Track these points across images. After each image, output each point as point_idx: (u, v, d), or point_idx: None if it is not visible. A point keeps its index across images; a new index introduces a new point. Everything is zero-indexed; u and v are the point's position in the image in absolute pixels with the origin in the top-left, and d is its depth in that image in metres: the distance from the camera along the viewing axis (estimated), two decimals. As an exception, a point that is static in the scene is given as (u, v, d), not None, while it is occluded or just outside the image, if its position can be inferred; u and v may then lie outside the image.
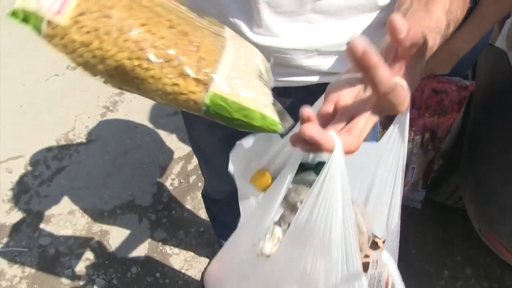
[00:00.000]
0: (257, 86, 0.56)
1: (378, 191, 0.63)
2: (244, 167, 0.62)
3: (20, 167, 2.11)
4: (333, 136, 0.42)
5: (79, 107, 2.40)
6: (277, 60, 0.78)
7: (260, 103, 0.54)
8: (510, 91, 1.33)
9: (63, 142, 2.22)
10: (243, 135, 0.65)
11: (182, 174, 2.12)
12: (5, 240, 1.84)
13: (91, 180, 2.06)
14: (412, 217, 1.86)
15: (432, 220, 1.90)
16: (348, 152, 0.44)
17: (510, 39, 1.38)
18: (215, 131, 1.03)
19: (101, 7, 0.50)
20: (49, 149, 2.18)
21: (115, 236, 1.86)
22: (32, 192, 2.01)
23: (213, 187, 1.33)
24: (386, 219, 0.64)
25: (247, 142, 0.63)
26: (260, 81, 0.57)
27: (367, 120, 0.45)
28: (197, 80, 0.52)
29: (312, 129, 0.41)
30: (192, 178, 2.09)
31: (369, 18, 0.77)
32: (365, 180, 0.64)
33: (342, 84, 0.48)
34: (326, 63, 0.80)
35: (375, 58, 0.40)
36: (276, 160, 0.62)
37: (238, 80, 0.54)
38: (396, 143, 0.55)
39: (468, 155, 1.48)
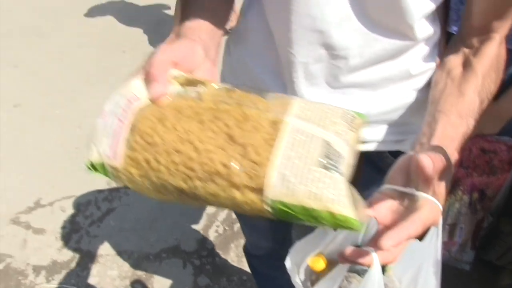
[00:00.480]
0: (318, 178, 0.47)
1: (424, 281, 0.68)
2: (301, 258, 0.68)
3: (72, 207, 2.19)
4: (372, 255, 0.51)
5: (131, 150, 2.47)
6: None
7: (324, 199, 0.46)
8: None
9: (113, 184, 2.29)
10: None
11: (227, 221, 2.15)
12: (56, 276, 1.90)
13: (138, 223, 2.12)
14: (462, 278, 1.78)
15: (483, 281, 1.81)
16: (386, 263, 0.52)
17: None
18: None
19: (145, 136, 0.51)
20: (100, 191, 2.27)
21: (159, 279, 1.89)
22: (82, 231, 2.08)
23: (252, 244, 1.34)
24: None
25: (305, 239, 0.68)
26: (323, 168, 0.48)
27: None
28: (251, 189, 0.48)
29: (354, 254, 0.52)
30: (237, 226, 2.10)
31: (404, 85, 0.77)
32: (413, 272, 0.70)
33: (384, 196, 0.56)
34: (364, 132, 0.81)
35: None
36: (331, 245, 0.66)
37: (294, 178, 0.47)
38: (435, 242, 0.63)
39: (521, 216, 1.42)
